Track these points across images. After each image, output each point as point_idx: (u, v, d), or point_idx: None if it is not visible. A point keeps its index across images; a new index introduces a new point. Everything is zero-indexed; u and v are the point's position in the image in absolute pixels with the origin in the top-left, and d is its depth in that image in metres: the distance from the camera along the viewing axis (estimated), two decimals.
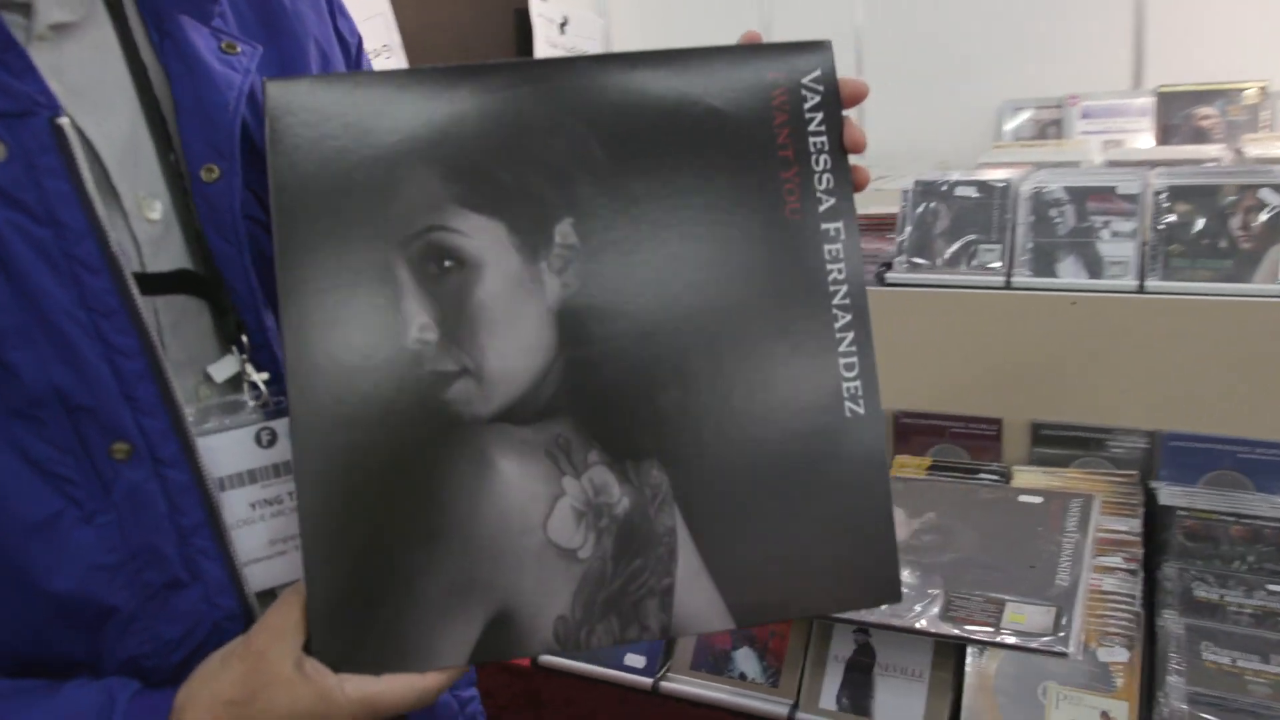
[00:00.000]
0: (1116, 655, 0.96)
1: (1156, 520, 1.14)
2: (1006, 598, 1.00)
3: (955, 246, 1.34)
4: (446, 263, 0.56)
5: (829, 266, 0.60)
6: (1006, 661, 1.00)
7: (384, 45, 1.76)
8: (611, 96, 0.58)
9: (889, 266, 1.38)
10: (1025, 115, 2.71)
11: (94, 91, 0.56)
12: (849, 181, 0.60)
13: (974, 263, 1.33)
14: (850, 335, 0.60)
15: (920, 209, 1.37)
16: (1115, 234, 1.27)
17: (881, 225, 1.45)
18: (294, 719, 0.54)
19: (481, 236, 0.57)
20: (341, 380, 0.55)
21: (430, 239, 0.56)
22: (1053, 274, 1.28)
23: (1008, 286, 1.30)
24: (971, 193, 1.35)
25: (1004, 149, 2.49)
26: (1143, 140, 2.34)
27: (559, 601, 0.57)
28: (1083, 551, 1.07)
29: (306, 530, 0.55)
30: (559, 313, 0.57)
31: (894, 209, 1.41)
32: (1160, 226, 1.24)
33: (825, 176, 0.60)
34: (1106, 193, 1.28)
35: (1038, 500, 1.19)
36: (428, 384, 0.56)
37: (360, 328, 0.55)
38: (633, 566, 0.58)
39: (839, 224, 0.60)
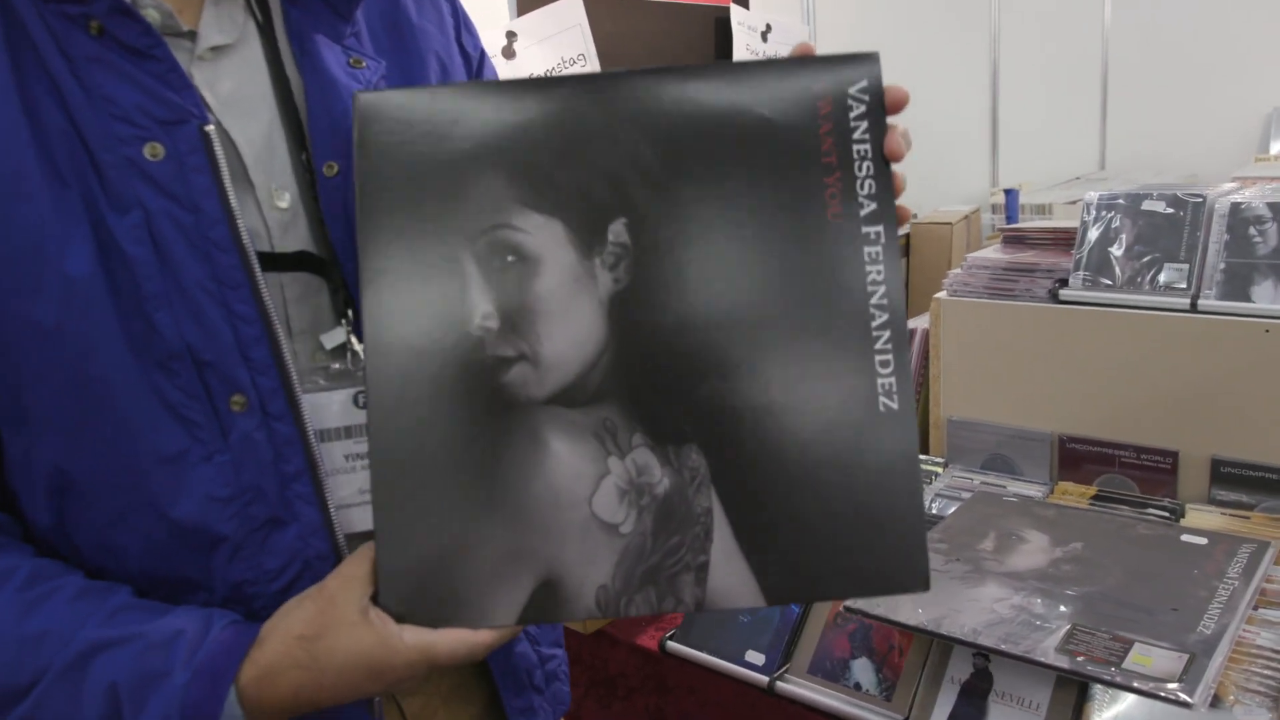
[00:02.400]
0: (1256, 716, 0.87)
1: None
2: (1136, 638, 0.93)
3: (1137, 265, 1.25)
4: (509, 258, 0.62)
5: (868, 267, 0.61)
6: (1135, 707, 0.93)
7: (579, 54, 1.85)
8: (666, 106, 0.62)
9: (1064, 283, 1.31)
10: None
11: (241, 101, 0.67)
12: (890, 188, 0.62)
13: (1157, 282, 1.23)
14: (887, 334, 0.61)
15: (1102, 224, 1.29)
16: None
17: (1062, 240, 1.38)
18: (355, 657, 0.61)
19: (541, 234, 0.62)
20: (412, 362, 0.62)
21: (495, 236, 0.62)
22: (1247, 298, 1.17)
23: (1193, 309, 1.20)
24: (1160, 208, 1.25)
25: (1266, 163, 2.24)
26: None
27: (601, 572, 0.62)
28: (1239, 600, 0.98)
29: (377, 494, 0.62)
30: (610, 306, 0.62)
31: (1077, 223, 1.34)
32: None
33: (867, 182, 0.61)
34: None
35: (1201, 541, 1.09)
36: (488, 368, 0.62)
37: (430, 315, 0.62)
38: (671, 543, 0.62)
39: (879, 227, 0.61)
